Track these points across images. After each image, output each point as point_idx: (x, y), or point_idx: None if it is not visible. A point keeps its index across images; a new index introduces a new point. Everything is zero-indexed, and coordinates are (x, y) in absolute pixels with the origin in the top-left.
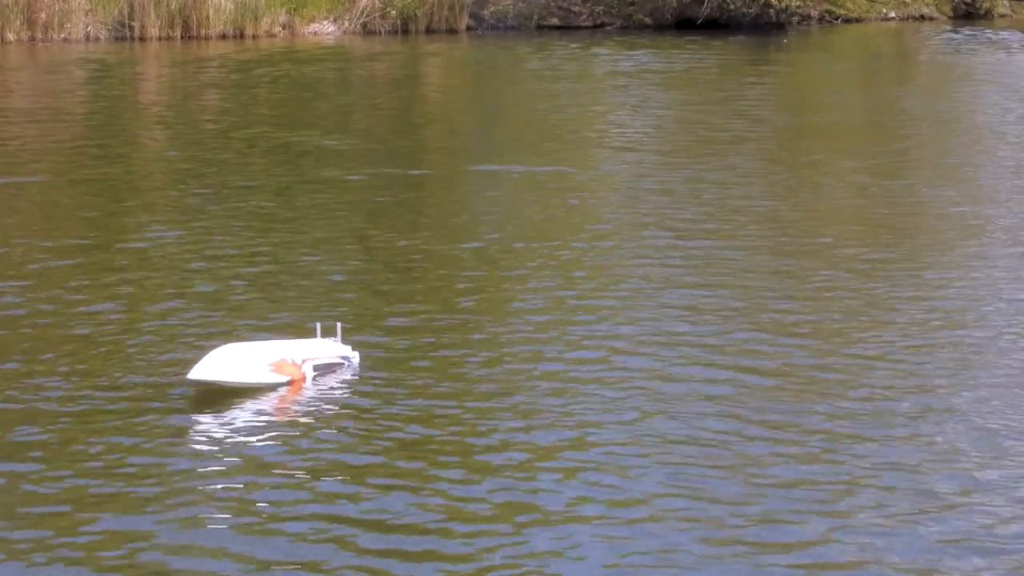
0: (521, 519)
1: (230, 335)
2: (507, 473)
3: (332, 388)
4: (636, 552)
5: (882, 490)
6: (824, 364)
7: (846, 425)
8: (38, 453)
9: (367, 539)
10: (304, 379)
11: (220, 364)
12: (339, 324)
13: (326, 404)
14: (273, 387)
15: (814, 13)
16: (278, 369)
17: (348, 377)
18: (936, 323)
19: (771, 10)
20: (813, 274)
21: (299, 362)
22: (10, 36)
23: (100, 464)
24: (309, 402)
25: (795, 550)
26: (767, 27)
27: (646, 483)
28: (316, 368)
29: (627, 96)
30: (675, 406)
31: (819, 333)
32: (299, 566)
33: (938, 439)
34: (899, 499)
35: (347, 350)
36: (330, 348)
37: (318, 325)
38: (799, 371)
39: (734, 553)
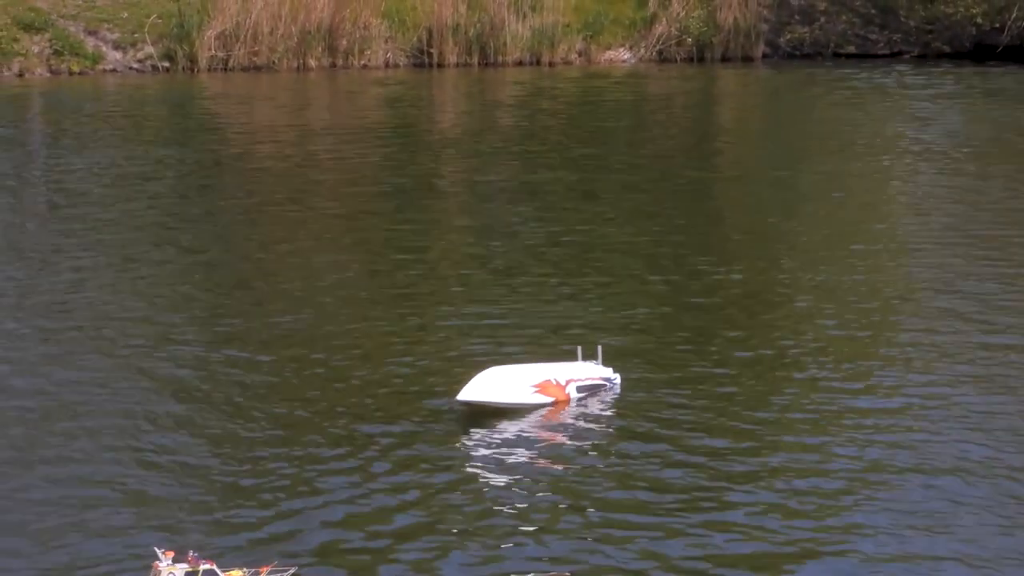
0: (806, 546)
1: (495, 357)
2: (781, 493)
3: (595, 409)
4: None
5: None
6: None
7: None
8: (304, 466)
9: (635, 547)
10: (568, 400)
11: (487, 385)
12: (599, 346)
13: (590, 425)
14: (538, 408)
15: None
16: (543, 390)
17: (610, 399)
18: None
19: None
20: None
21: (563, 383)
22: (312, 62)
23: (373, 479)
24: (574, 423)
25: None
26: None
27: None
28: (580, 389)
29: (934, 119)
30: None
31: None
32: None
33: None
34: None
35: (608, 372)
36: (592, 370)
37: (579, 348)
38: None
39: None
